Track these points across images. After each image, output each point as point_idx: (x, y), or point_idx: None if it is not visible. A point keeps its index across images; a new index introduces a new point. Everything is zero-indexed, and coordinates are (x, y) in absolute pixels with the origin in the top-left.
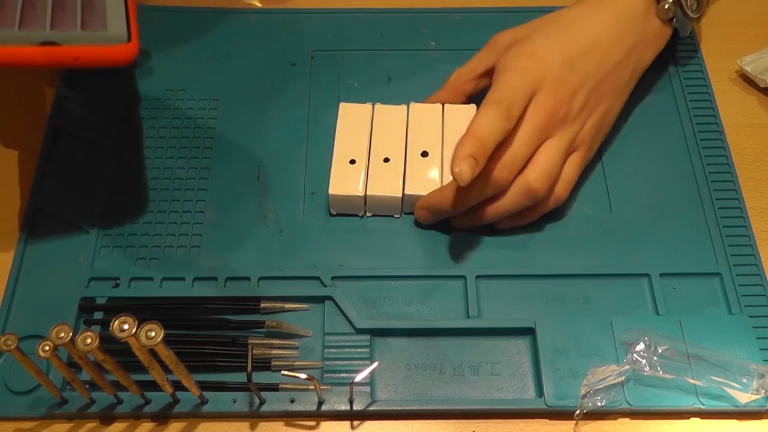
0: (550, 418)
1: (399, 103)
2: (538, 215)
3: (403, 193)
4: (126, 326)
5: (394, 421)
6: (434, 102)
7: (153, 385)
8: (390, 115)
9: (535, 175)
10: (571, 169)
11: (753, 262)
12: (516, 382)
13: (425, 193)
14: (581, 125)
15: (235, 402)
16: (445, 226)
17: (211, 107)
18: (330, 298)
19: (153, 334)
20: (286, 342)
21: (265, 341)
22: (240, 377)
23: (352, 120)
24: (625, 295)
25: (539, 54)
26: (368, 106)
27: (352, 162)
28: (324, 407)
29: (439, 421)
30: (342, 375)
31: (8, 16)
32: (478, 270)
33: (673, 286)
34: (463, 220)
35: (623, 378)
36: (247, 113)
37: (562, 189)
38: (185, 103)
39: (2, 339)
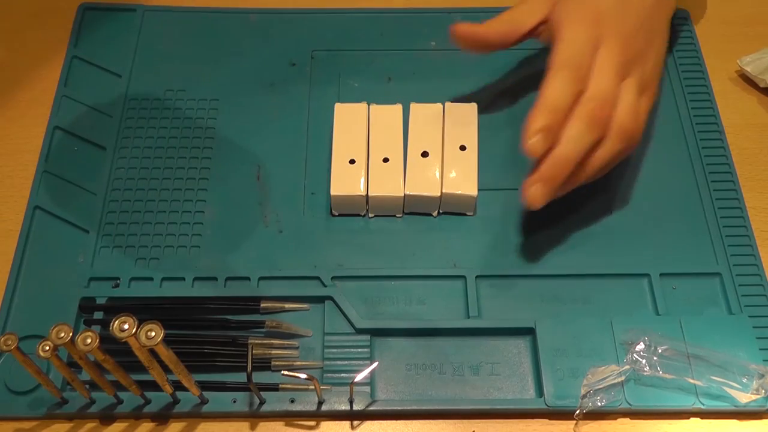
0: (550, 418)
1: (399, 103)
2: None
3: (404, 193)
4: (126, 326)
5: (394, 421)
6: (484, 29)
7: (153, 385)
8: (386, 114)
9: (628, 118)
10: (644, 113)
11: (753, 262)
12: (516, 382)
13: (426, 194)
14: (645, 64)
15: (235, 402)
16: (445, 226)
17: (211, 107)
18: (330, 298)
19: (153, 334)
20: (286, 342)
21: (265, 341)
22: (240, 377)
23: (349, 120)
24: (625, 295)
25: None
26: (363, 105)
27: (352, 162)
28: (324, 407)
29: (439, 421)
30: (342, 375)
31: None
32: (478, 270)
33: (673, 286)
34: (565, 183)
35: (623, 378)
36: (247, 113)
37: (638, 132)
38: (185, 103)
39: (2, 339)
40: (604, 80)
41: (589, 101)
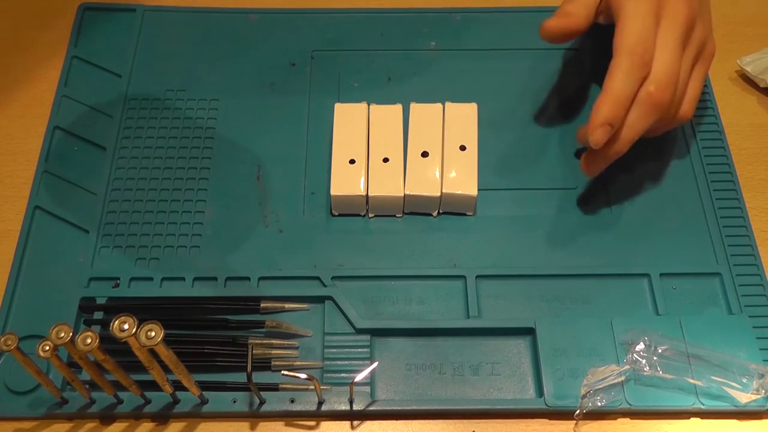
0: (550, 418)
1: (399, 103)
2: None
3: (404, 193)
4: (126, 326)
5: (394, 421)
6: (572, 20)
7: (153, 385)
8: (386, 114)
9: (687, 106)
10: (698, 82)
11: (753, 262)
12: (516, 382)
13: (426, 194)
14: (705, 17)
15: (235, 402)
16: (445, 226)
17: (211, 107)
18: (330, 298)
19: (153, 334)
20: (286, 342)
21: (265, 341)
22: (240, 377)
23: (349, 120)
24: (625, 295)
25: None
26: (363, 105)
27: (352, 162)
28: (324, 407)
29: (439, 421)
30: (342, 375)
31: None
32: (478, 270)
33: (673, 286)
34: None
35: (623, 378)
36: (247, 113)
37: (689, 107)
38: (185, 103)
39: (2, 339)
40: (666, 61)
41: (650, 84)
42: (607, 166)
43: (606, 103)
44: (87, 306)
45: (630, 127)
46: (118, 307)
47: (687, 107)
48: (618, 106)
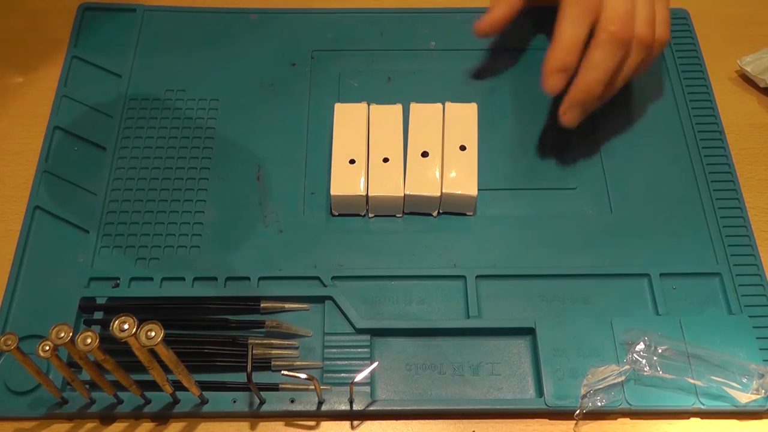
0: (550, 418)
1: (399, 103)
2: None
3: (404, 193)
4: (126, 326)
5: (394, 421)
6: (497, 12)
7: (153, 385)
8: (386, 114)
9: (646, 31)
10: (663, 16)
11: (753, 262)
12: (516, 382)
13: (426, 194)
14: None
15: (235, 402)
16: (445, 226)
17: (211, 107)
18: (330, 298)
19: (153, 334)
20: (286, 342)
21: (265, 341)
22: (240, 377)
23: (349, 120)
24: (625, 295)
25: None
26: (363, 105)
27: (352, 162)
28: (324, 407)
29: (439, 421)
30: (342, 375)
31: None
32: (478, 270)
33: (673, 286)
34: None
35: (623, 378)
36: (247, 113)
37: (663, 29)
38: (185, 103)
39: (2, 339)
40: (617, 1)
41: (609, 25)
42: (584, 116)
43: (556, 51)
44: (87, 306)
45: (600, 69)
46: (118, 307)
47: (661, 30)
48: (568, 53)
